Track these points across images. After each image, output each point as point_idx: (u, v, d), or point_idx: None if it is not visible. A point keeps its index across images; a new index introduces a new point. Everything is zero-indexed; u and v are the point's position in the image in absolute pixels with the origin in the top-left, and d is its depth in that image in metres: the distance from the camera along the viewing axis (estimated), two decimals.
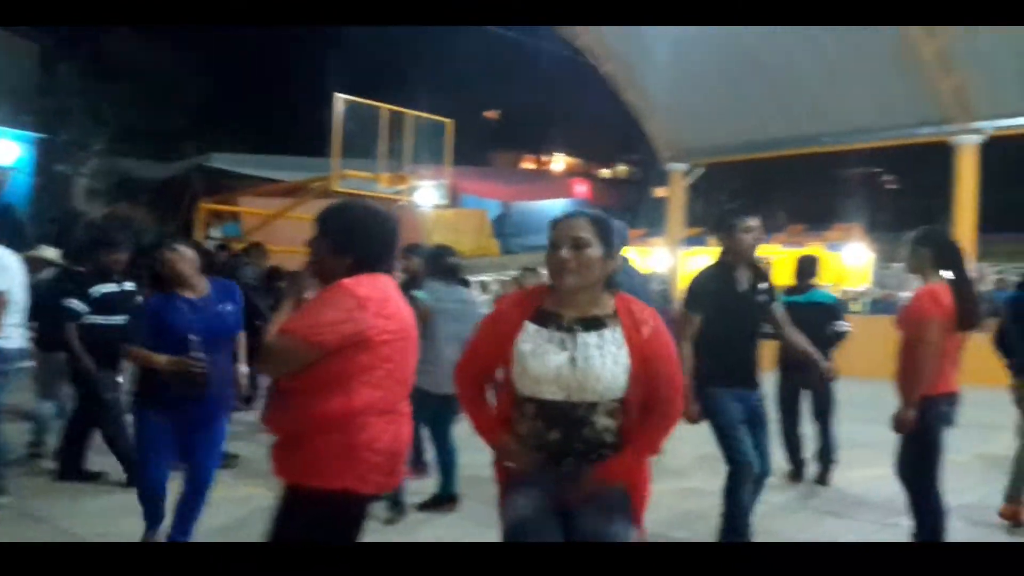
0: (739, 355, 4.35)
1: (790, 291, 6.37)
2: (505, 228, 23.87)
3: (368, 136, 13.70)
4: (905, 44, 12.30)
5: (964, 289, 4.19)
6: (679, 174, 16.86)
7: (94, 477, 5.82)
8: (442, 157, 14.84)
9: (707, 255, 16.19)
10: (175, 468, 4.19)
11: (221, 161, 20.24)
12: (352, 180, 13.57)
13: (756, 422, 4.33)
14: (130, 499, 5.27)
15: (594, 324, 2.59)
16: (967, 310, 4.15)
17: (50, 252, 7.34)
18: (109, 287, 5.71)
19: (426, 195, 15.04)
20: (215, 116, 25.49)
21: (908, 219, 20.18)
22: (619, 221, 2.99)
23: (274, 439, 2.65)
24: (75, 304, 5.63)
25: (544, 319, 2.62)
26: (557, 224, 2.61)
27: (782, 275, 6.64)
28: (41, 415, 6.41)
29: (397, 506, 5.03)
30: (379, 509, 4.88)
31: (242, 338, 4.44)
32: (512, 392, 2.66)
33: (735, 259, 4.35)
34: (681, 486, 5.90)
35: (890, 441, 4.39)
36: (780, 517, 5.32)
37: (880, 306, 17.03)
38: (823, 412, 6.43)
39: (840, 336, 6.45)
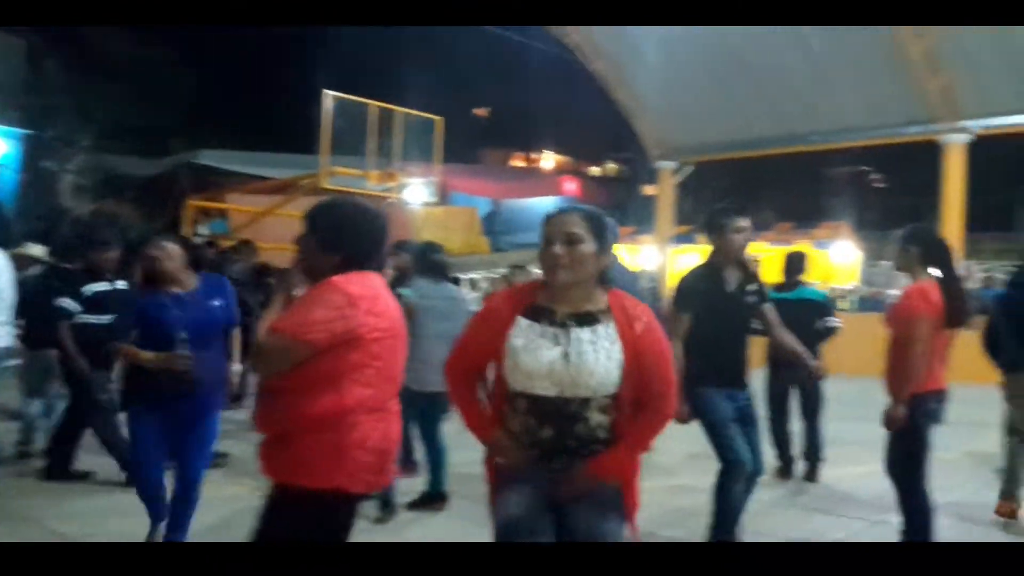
0: (728, 355, 4.35)
1: (779, 288, 6.38)
2: (495, 226, 23.87)
3: (357, 133, 13.66)
4: (893, 44, 12.35)
5: (953, 287, 4.21)
6: (668, 172, 16.89)
7: (82, 477, 5.79)
8: (431, 154, 14.83)
9: (696, 253, 16.25)
10: (167, 466, 4.17)
11: (209, 158, 20.18)
12: (341, 177, 13.54)
13: (746, 421, 4.33)
14: (119, 499, 5.29)
15: (587, 319, 2.59)
16: (956, 308, 4.17)
17: (37, 249, 7.29)
18: (101, 286, 5.67)
19: (415, 192, 15.02)
20: (203, 113, 25.39)
21: (896, 217, 20.33)
22: (609, 219, 2.99)
23: (262, 438, 2.64)
24: (67, 303, 5.59)
25: (537, 314, 2.61)
26: (550, 220, 2.61)
27: (770, 273, 6.65)
28: (28, 414, 6.37)
29: (387, 506, 5.02)
30: (369, 508, 4.87)
31: (236, 335, 4.38)
32: (504, 388, 2.64)
33: (725, 259, 4.35)
34: (671, 484, 5.91)
35: (878, 438, 4.41)
36: (769, 515, 5.33)
37: (868, 304, 17.11)
38: (811, 410, 6.45)
39: (830, 332, 6.48)
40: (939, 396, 4.26)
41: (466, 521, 4.92)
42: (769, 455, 6.02)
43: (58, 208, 19.92)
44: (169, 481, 4.17)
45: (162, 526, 4.17)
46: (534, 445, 2.59)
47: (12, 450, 6.26)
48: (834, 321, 6.53)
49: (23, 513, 5.04)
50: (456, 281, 7.94)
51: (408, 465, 5.86)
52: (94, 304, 5.59)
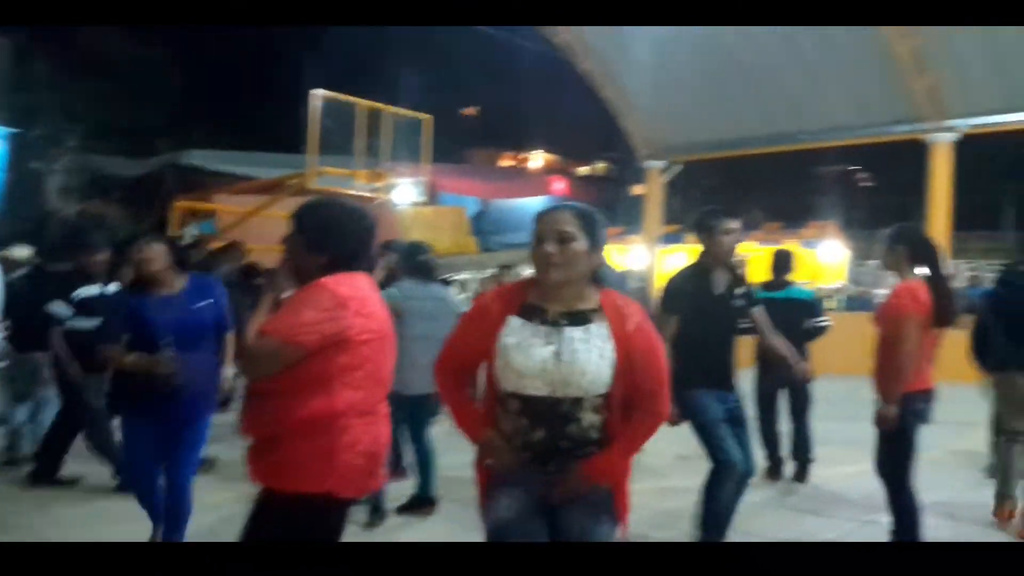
0: (715, 358, 4.35)
1: (767, 287, 6.39)
2: (484, 226, 23.77)
3: (345, 133, 13.59)
4: (880, 44, 12.39)
5: (941, 286, 4.23)
6: (657, 172, 16.89)
7: (69, 484, 5.74)
8: (420, 154, 14.77)
9: (685, 252, 16.26)
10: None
11: (196, 158, 20.05)
12: (329, 177, 13.46)
13: (736, 422, 4.34)
14: (108, 506, 5.26)
15: (579, 318, 2.57)
16: (944, 307, 4.18)
17: (22, 252, 7.23)
18: (92, 290, 5.63)
19: (404, 192, 14.96)
20: (190, 113, 25.24)
21: (883, 216, 20.41)
22: (601, 217, 2.97)
23: (250, 442, 2.61)
24: (59, 309, 5.54)
25: (529, 313, 2.59)
26: (542, 217, 2.58)
27: (758, 272, 6.67)
28: (14, 420, 6.30)
29: (377, 511, 4.99)
30: (358, 513, 4.84)
31: (231, 339, 4.27)
32: (495, 389, 2.62)
33: (714, 261, 4.35)
34: (661, 485, 5.91)
35: (867, 438, 4.42)
36: (759, 515, 5.34)
37: (856, 303, 17.18)
38: (800, 410, 6.46)
39: (819, 332, 6.49)
40: (926, 395, 4.28)
41: (456, 525, 4.90)
42: (759, 455, 6.04)
43: (44, 209, 19.78)
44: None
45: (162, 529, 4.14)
46: (527, 447, 2.57)
47: None
48: (823, 321, 6.54)
49: (9, 520, 4.99)
50: (446, 282, 7.89)
51: (398, 469, 5.83)
52: (85, 308, 5.55)
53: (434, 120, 14.87)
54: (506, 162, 47.24)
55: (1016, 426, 5.12)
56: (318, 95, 13.28)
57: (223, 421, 7.20)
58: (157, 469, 4.08)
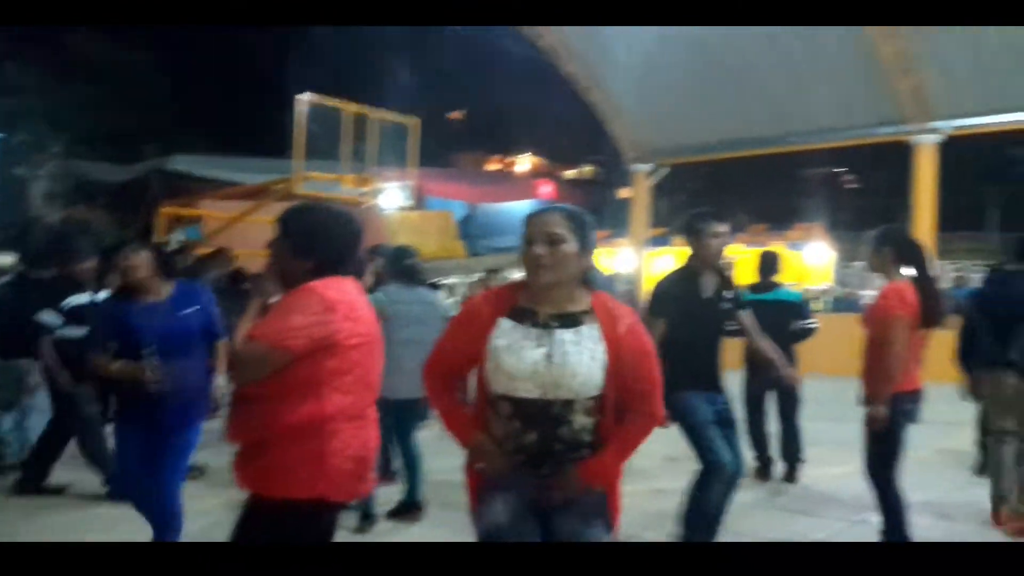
0: (704, 360, 4.35)
1: (754, 288, 6.41)
2: (471, 229, 23.75)
3: (331, 137, 13.56)
4: (864, 46, 12.47)
5: (928, 287, 4.25)
6: (643, 175, 16.92)
7: (56, 492, 5.70)
8: (406, 158, 14.74)
9: (672, 255, 16.27)
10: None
11: (181, 163, 19.95)
12: (315, 182, 13.43)
13: (725, 424, 4.34)
14: (97, 513, 5.23)
15: (571, 321, 2.56)
16: (931, 307, 4.20)
17: (4, 259, 7.17)
18: (82, 298, 5.59)
19: (390, 197, 14.93)
20: (175, 117, 25.16)
21: (868, 218, 20.55)
22: (591, 219, 2.97)
23: (237, 449, 2.59)
24: (49, 318, 5.50)
25: (519, 315, 2.57)
26: (531, 220, 2.57)
27: (745, 274, 6.69)
28: (0, 428, 6.24)
29: (367, 516, 4.96)
30: (348, 518, 4.81)
31: (223, 346, 4.17)
32: (485, 392, 2.60)
33: (702, 264, 4.35)
34: (651, 487, 5.91)
35: (855, 438, 4.43)
36: (749, 516, 5.34)
37: (842, 304, 17.26)
38: (789, 410, 6.47)
39: (807, 333, 6.51)
40: (914, 396, 4.30)
41: (446, 529, 4.88)
42: (747, 456, 6.05)
43: (28, 215, 19.65)
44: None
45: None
46: (519, 450, 2.55)
47: None
48: (811, 323, 6.56)
49: None
50: (435, 286, 7.86)
51: (387, 474, 5.81)
52: (75, 317, 5.51)
53: (420, 124, 14.86)
54: (493, 166, 47.28)
55: (1004, 425, 5.12)
56: (304, 100, 13.24)
57: (210, 427, 7.18)
58: (149, 475, 4.04)
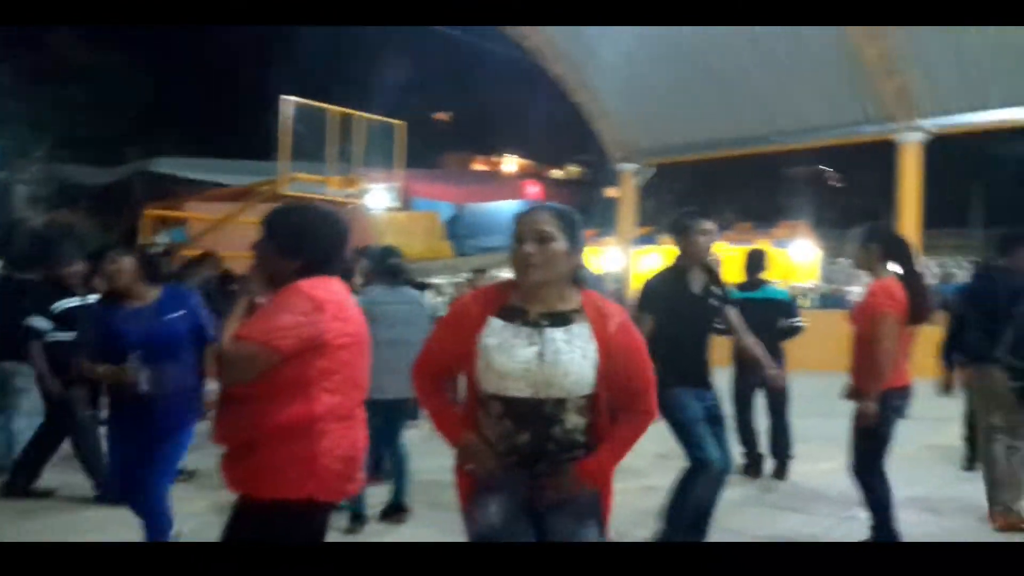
0: (693, 357, 4.35)
1: (742, 287, 6.42)
2: (457, 230, 23.75)
3: (317, 138, 13.53)
4: (849, 45, 12.53)
5: (915, 283, 4.26)
6: (630, 174, 16.96)
7: (45, 495, 5.65)
8: (393, 159, 14.72)
9: (659, 254, 16.30)
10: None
11: (166, 165, 19.90)
12: (301, 183, 13.40)
13: (714, 421, 4.35)
14: (87, 516, 5.19)
15: (561, 319, 2.54)
16: (919, 304, 4.22)
17: None
18: (72, 301, 5.56)
19: (377, 198, 14.92)
20: (159, 119, 25.03)
21: (853, 215, 20.68)
22: (580, 217, 2.96)
23: (224, 450, 2.57)
24: (39, 322, 5.47)
25: (510, 314, 2.55)
26: (521, 218, 2.55)
27: (731, 272, 6.71)
28: None
29: (358, 517, 4.94)
30: (339, 519, 4.79)
31: (212, 349, 4.18)
32: (476, 392, 2.58)
33: (689, 261, 4.36)
34: (642, 485, 5.90)
35: (843, 434, 4.45)
36: (739, 513, 5.35)
37: (829, 301, 17.33)
38: (779, 407, 6.47)
39: (794, 332, 6.53)
40: (903, 392, 4.31)
41: (435, 529, 4.86)
42: (736, 453, 6.06)
43: (11, 218, 19.52)
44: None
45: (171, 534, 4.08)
46: (512, 451, 2.53)
47: None
48: (798, 322, 6.58)
49: None
50: (424, 286, 7.82)
51: (375, 474, 5.78)
52: (65, 321, 5.48)
53: (406, 125, 14.85)
54: (479, 166, 47.27)
55: (993, 422, 5.12)
56: (289, 101, 13.21)
57: (199, 430, 7.14)
58: (138, 478, 4.02)
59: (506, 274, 2.63)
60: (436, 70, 33.95)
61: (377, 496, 5.21)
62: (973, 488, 5.34)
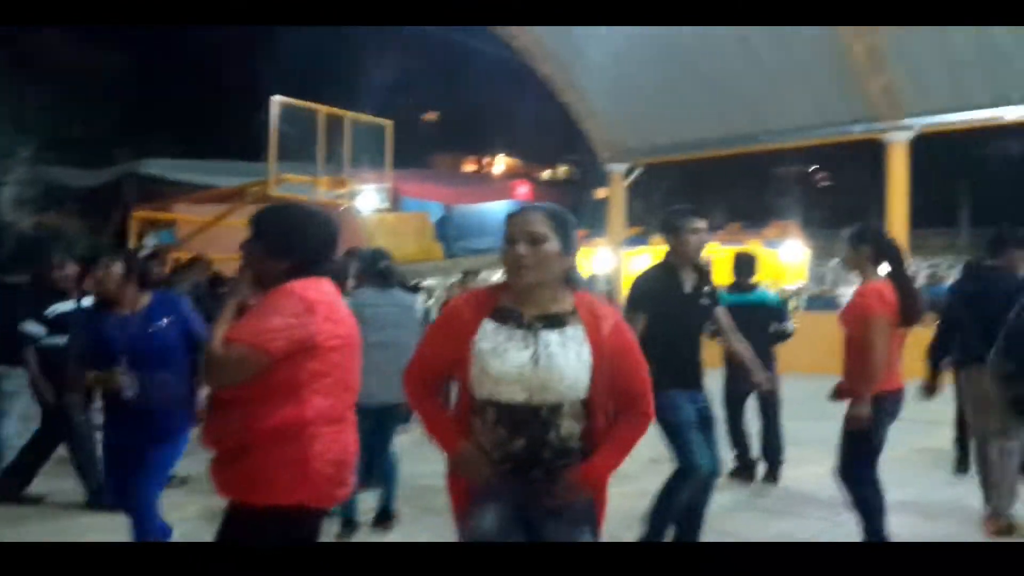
0: (684, 357, 4.33)
1: (732, 289, 6.40)
2: (447, 231, 23.73)
3: (305, 139, 13.47)
4: (836, 45, 12.57)
5: (905, 285, 4.26)
6: (619, 175, 16.97)
7: (35, 502, 5.61)
8: (382, 160, 14.67)
9: (649, 254, 16.30)
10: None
11: (154, 167, 19.75)
12: (290, 184, 13.34)
13: (704, 423, 4.34)
14: (79, 522, 5.15)
15: (555, 321, 2.51)
16: (910, 305, 4.21)
17: None
18: (66, 306, 5.52)
19: (366, 199, 14.86)
20: (146, 121, 24.88)
21: (842, 215, 20.70)
22: (572, 217, 2.95)
23: (214, 454, 2.54)
24: (33, 328, 5.43)
25: (503, 317, 2.51)
26: (512, 219, 2.51)
27: (721, 274, 6.70)
28: None
29: (350, 523, 4.90)
30: (330, 525, 4.76)
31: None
32: (469, 398, 2.54)
33: (680, 260, 4.35)
34: (634, 489, 5.88)
35: (834, 437, 4.43)
36: (731, 517, 5.34)
37: (818, 302, 17.34)
38: (771, 411, 6.46)
39: (784, 336, 6.52)
40: (896, 395, 4.30)
41: (428, 534, 4.85)
42: (728, 457, 6.05)
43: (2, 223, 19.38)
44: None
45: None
46: (506, 458, 2.49)
47: None
48: (788, 326, 6.57)
49: None
50: (416, 289, 7.78)
51: (367, 480, 5.74)
52: (59, 325, 5.45)
53: (395, 125, 14.80)
54: (469, 167, 47.18)
55: (986, 425, 5.10)
56: (277, 101, 13.14)
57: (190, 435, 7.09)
58: (132, 484, 3.99)
59: (498, 276, 2.61)
60: (425, 70, 33.87)
61: (369, 502, 5.18)
62: (964, 491, 5.33)
